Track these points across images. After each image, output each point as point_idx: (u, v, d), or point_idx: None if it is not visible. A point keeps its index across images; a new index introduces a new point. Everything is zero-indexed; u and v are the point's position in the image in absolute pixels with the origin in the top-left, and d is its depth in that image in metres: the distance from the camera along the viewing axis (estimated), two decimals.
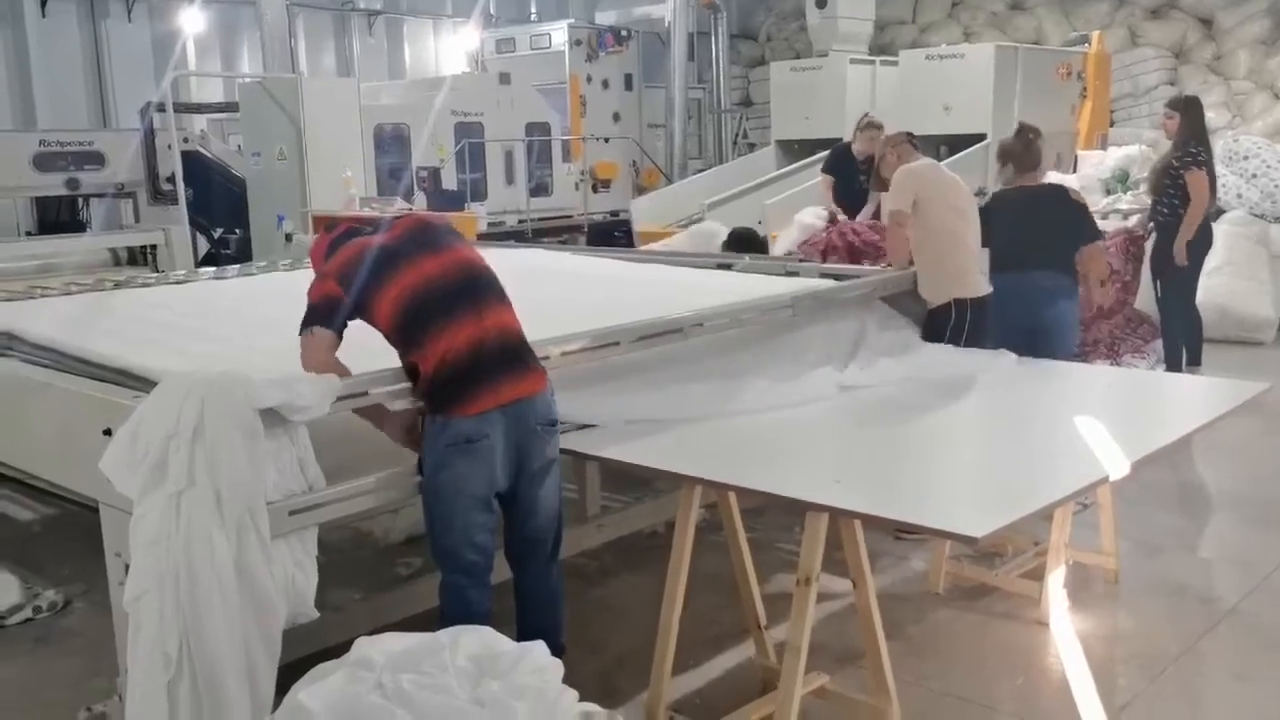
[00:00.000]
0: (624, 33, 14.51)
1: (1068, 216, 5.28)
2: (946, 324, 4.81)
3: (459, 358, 3.00)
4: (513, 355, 3.11)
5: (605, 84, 14.26)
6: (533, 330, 3.24)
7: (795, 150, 11.97)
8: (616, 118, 14.39)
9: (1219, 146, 9.98)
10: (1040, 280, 5.15)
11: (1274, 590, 4.32)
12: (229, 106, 12.24)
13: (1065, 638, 3.94)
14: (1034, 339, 4.93)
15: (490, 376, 3.02)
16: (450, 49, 16.68)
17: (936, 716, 3.46)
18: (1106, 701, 3.47)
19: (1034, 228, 5.23)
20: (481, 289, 3.16)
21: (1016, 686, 3.64)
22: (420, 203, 10.63)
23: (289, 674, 2.46)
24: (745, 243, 7.21)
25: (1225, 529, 5.00)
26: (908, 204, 4.89)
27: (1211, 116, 13.27)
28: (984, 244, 5.22)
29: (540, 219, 12.14)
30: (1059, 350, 5.00)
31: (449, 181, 11.60)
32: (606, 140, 13.95)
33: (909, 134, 5.50)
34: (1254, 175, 9.26)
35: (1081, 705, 3.47)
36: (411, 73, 16.33)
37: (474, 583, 3.12)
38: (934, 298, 4.87)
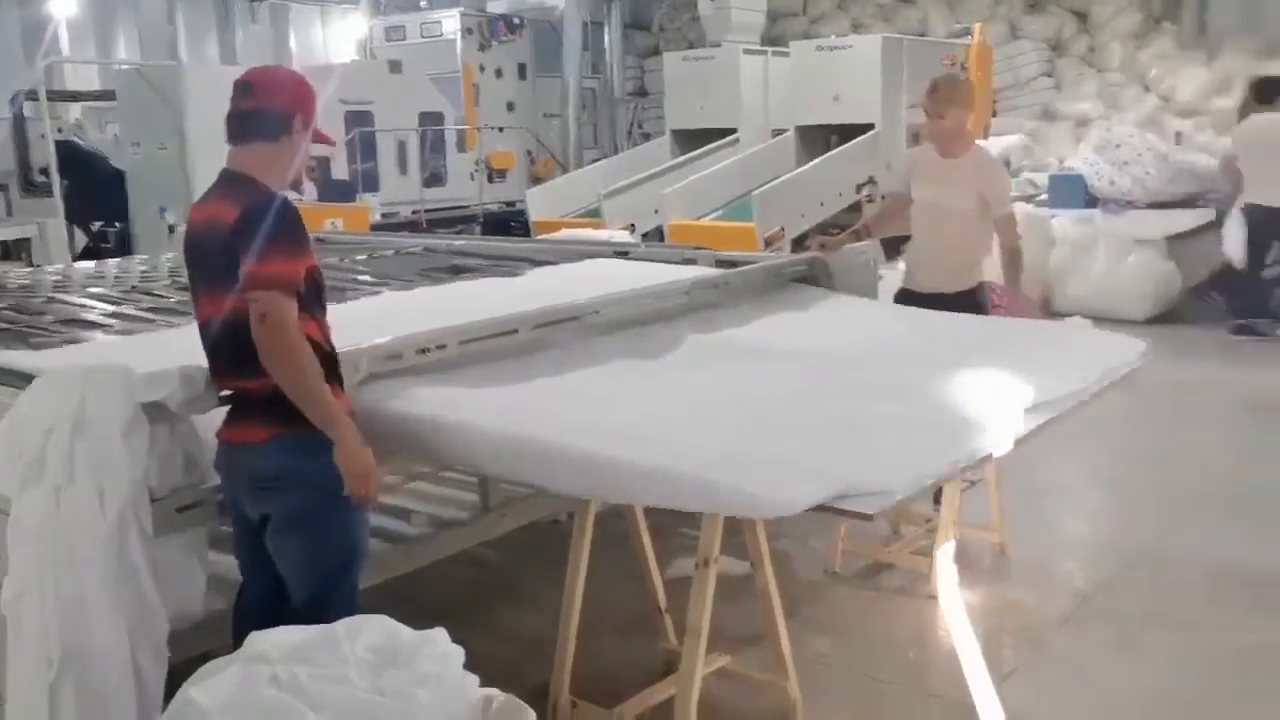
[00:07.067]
0: (516, 21, 14.39)
1: None
2: (985, 306, 4.75)
3: None
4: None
5: (499, 73, 14.12)
6: (429, 320, 3.19)
7: (690, 139, 12.03)
8: (511, 107, 14.26)
9: (1094, 136, 10.37)
10: None
11: (1154, 563, 4.51)
12: (105, 95, 11.79)
13: (954, 611, 4.05)
14: None
15: None
16: (338, 36, 16.36)
17: (834, 692, 3.54)
18: (993, 671, 3.59)
19: None
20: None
21: (909, 660, 3.74)
22: (310, 194, 10.39)
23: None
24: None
25: (1109, 502, 5.20)
26: (973, 201, 4.68)
27: (1086, 108, 13.78)
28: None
29: (435, 209, 11.97)
30: None
31: (340, 172, 11.34)
32: (501, 130, 13.82)
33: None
34: (1125, 163, 9.60)
35: (969, 676, 3.58)
36: (298, 61, 15.96)
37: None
38: (959, 284, 4.76)
